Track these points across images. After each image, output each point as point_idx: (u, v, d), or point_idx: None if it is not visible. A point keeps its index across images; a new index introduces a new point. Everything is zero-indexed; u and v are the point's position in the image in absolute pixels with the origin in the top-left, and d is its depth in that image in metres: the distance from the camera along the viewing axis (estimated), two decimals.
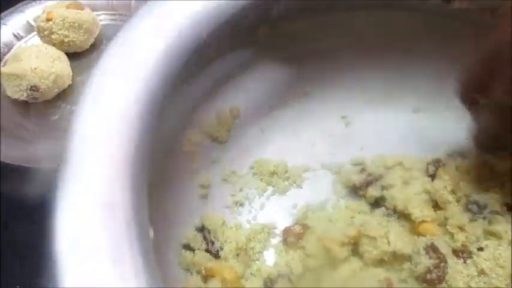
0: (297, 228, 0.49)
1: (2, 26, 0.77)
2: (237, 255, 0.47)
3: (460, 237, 0.47)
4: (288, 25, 0.51)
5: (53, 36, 0.73)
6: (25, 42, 0.78)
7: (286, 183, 0.54)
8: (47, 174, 0.61)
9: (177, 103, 0.45)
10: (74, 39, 0.74)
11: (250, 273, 0.47)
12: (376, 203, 0.52)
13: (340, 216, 0.51)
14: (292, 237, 0.49)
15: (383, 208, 0.51)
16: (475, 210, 0.48)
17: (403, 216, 0.50)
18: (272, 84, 0.55)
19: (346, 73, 0.57)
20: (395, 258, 0.47)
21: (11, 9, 0.79)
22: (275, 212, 0.53)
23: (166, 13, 0.42)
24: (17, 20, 0.79)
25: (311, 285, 0.47)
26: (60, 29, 0.73)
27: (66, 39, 0.73)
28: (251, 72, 0.54)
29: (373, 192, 0.51)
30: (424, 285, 0.45)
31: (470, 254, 0.46)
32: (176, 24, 0.42)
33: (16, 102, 0.70)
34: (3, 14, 0.78)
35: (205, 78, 0.49)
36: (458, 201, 0.49)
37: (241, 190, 0.53)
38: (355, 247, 0.47)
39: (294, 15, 0.51)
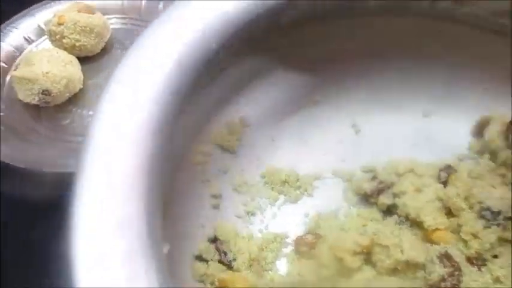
0: (309, 238, 0.49)
1: (13, 30, 0.77)
2: (250, 265, 0.47)
3: (474, 244, 0.46)
4: (299, 33, 0.51)
5: (64, 41, 0.73)
6: (36, 46, 0.78)
7: (298, 192, 0.54)
8: (57, 178, 0.61)
9: (189, 113, 0.45)
10: (85, 43, 0.74)
11: (264, 284, 0.47)
12: (388, 210, 0.52)
13: (353, 224, 0.51)
14: (305, 247, 0.49)
15: (395, 216, 0.50)
16: (489, 217, 0.47)
17: (416, 224, 0.49)
18: (282, 93, 0.55)
19: (356, 80, 0.57)
20: (409, 267, 0.46)
21: (22, 13, 0.79)
22: (287, 221, 0.52)
23: (180, 22, 0.42)
24: (28, 23, 0.79)
25: None
26: (72, 33, 0.73)
27: (77, 44, 0.73)
28: (261, 80, 0.54)
29: (384, 200, 0.51)
30: None
31: (484, 262, 0.46)
32: (190, 33, 0.42)
33: (27, 105, 0.70)
34: (14, 17, 0.78)
35: (216, 87, 0.50)
36: (471, 208, 0.48)
37: (252, 200, 0.53)
38: (368, 256, 0.47)
39: (305, 23, 0.51)
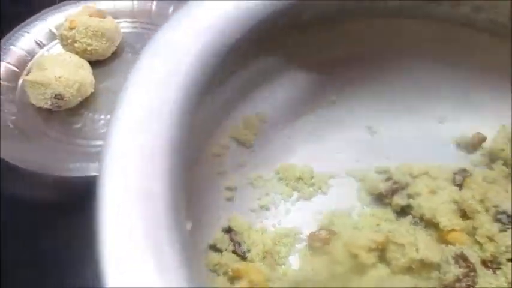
0: (323, 234, 0.49)
1: (25, 34, 0.77)
2: (264, 258, 0.47)
3: (490, 247, 0.46)
4: (317, 32, 0.52)
5: (75, 45, 0.73)
6: (47, 50, 0.78)
7: (312, 189, 0.54)
8: (66, 182, 0.61)
9: (208, 106, 0.45)
10: (97, 48, 0.74)
11: (276, 278, 0.46)
12: (402, 211, 0.51)
13: (366, 223, 0.50)
14: (318, 243, 0.48)
15: (409, 216, 0.50)
16: (504, 220, 0.47)
17: (431, 224, 0.49)
18: (299, 92, 0.55)
19: (372, 82, 0.57)
20: (424, 266, 0.46)
21: (33, 17, 0.80)
22: (300, 217, 0.52)
23: (198, 19, 0.43)
24: (40, 28, 0.79)
25: None
26: (83, 38, 0.73)
27: (88, 48, 0.74)
28: (279, 78, 0.54)
29: (399, 200, 0.51)
30: None
31: (499, 265, 0.46)
32: (208, 30, 0.42)
33: (40, 110, 0.70)
34: (26, 22, 0.79)
35: (234, 83, 0.50)
36: (487, 211, 0.48)
37: (267, 194, 0.53)
38: (382, 254, 0.47)
39: (323, 23, 0.51)
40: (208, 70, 0.42)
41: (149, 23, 0.83)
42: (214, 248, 0.47)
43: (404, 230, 0.47)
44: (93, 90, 0.73)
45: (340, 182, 0.55)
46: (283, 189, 0.53)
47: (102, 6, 0.81)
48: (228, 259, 0.46)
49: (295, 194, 0.54)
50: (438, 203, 0.49)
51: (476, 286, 0.44)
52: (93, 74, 0.74)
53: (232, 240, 0.47)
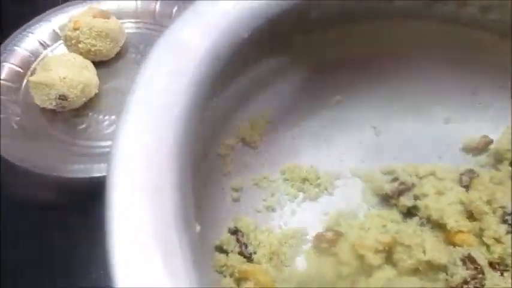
0: (330, 235, 0.48)
1: (29, 35, 0.77)
2: (270, 259, 0.47)
3: (497, 249, 0.46)
4: (323, 33, 0.52)
5: (80, 45, 0.73)
6: (51, 51, 0.78)
7: (317, 190, 0.54)
8: (71, 182, 0.61)
9: (215, 105, 0.45)
10: (101, 48, 0.74)
11: (283, 279, 0.46)
12: (408, 212, 0.51)
13: (373, 224, 0.50)
14: (325, 243, 0.48)
15: (416, 217, 0.50)
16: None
17: (438, 226, 0.49)
18: (304, 92, 0.55)
19: (378, 82, 0.57)
20: (431, 268, 0.46)
21: (37, 18, 0.80)
22: (306, 218, 0.52)
23: (207, 17, 0.43)
24: (44, 28, 0.79)
25: None
26: (87, 38, 0.73)
27: (93, 48, 0.73)
28: (284, 78, 0.54)
29: (405, 201, 0.51)
30: None
31: (507, 267, 0.46)
32: (214, 30, 0.42)
33: (44, 110, 0.70)
34: (30, 22, 0.79)
35: (240, 83, 0.50)
36: (494, 212, 0.48)
37: (272, 195, 0.53)
38: (389, 255, 0.47)
39: (329, 23, 0.51)
40: (215, 71, 0.42)
41: (153, 24, 0.82)
42: (221, 249, 0.47)
43: (411, 231, 0.47)
44: (97, 91, 0.72)
45: (346, 183, 0.55)
46: (289, 190, 0.53)
47: (106, 6, 0.81)
48: (234, 260, 0.46)
49: (301, 195, 0.54)
50: (445, 204, 0.48)
51: None
52: (98, 74, 0.73)
53: (238, 241, 0.47)
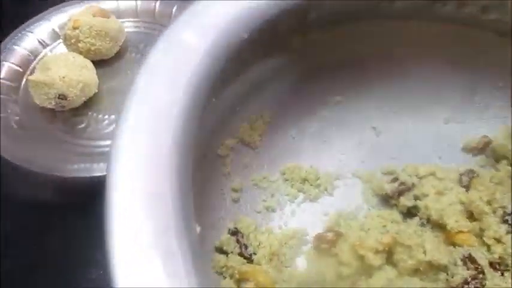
0: (330, 235, 0.48)
1: (29, 34, 0.77)
2: (270, 260, 0.47)
3: (497, 249, 0.46)
4: (321, 34, 0.51)
5: (79, 45, 0.73)
6: (51, 50, 0.78)
7: (317, 190, 0.54)
8: (69, 182, 0.61)
9: (214, 107, 0.45)
10: (100, 47, 0.74)
11: (283, 280, 0.46)
12: (408, 212, 0.51)
13: (373, 224, 0.50)
14: (325, 244, 0.48)
15: (416, 218, 0.50)
16: None
17: (438, 226, 0.49)
18: (304, 92, 0.55)
19: (377, 83, 0.57)
20: (431, 268, 0.46)
21: (37, 17, 0.79)
22: (306, 219, 0.52)
23: (206, 17, 0.42)
24: (43, 27, 0.79)
25: None
26: (87, 37, 0.73)
27: (92, 47, 0.73)
28: (284, 79, 0.54)
29: (405, 201, 0.50)
30: None
31: (507, 267, 0.45)
32: (214, 30, 0.42)
33: (43, 109, 0.70)
34: (29, 21, 0.78)
35: (240, 83, 0.50)
36: (494, 212, 0.48)
37: (272, 196, 0.53)
38: (389, 255, 0.47)
39: (328, 24, 0.51)
40: (214, 72, 0.41)
41: (153, 23, 0.82)
42: (221, 251, 0.47)
43: (411, 232, 0.47)
44: (96, 90, 0.72)
45: (346, 183, 0.55)
46: (289, 191, 0.53)
47: (106, 5, 0.81)
48: (234, 261, 0.46)
49: (301, 195, 0.54)
50: (445, 204, 0.48)
51: None
52: (97, 73, 0.73)
53: (238, 242, 0.47)
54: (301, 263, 0.49)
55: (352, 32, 0.52)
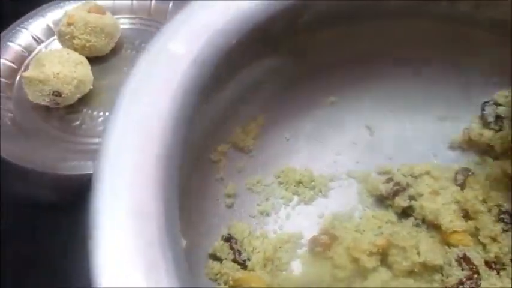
0: (324, 238, 0.48)
1: (23, 30, 0.76)
2: (265, 265, 0.47)
3: (493, 248, 0.46)
4: (316, 34, 0.51)
5: (74, 41, 0.72)
6: (45, 46, 0.77)
7: (312, 192, 0.54)
8: (63, 179, 0.61)
9: (206, 111, 0.45)
10: (95, 44, 0.73)
11: (278, 284, 0.46)
12: (404, 212, 0.51)
13: (368, 226, 0.50)
14: (320, 247, 0.48)
15: (411, 218, 0.50)
16: (508, 220, 0.46)
17: (433, 226, 0.49)
18: (298, 93, 0.55)
19: (371, 82, 0.56)
20: (426, 269, 0.46)
21: (31, 13, 0.79)
22: (301, 221, 0.52)
23: (198, 21, 0.42)
24: (38, 24, 0.78)
25: None
26: (82, 34, 0.72)
27: (87, 44, 0.72)
28: (277, 80, 0.53)
29: (400, 202, 0.50)
30: None
31: (503, 266, 0.45)
32: (207, 32, 0.42)
33: (37, 106, 0.69)
34: (23, 17, 0.78)
35: (232, 87, 0.49)
36: (489, 211, 0.48)
37: (267, 200, 0.52)
38: (384, 257, 0.47)
39: (322, 24, 0.50)
40: (206, 75, 0.41)
41: (148, 19, 0.81)
42: (214, 257, 0.47)
43: (406, 233, 0.47)
44: (91, 87, 0.71)
45: (341, 184, 0.55)
46: (283, 194, 0.53)
47: (101, 2, 0.80)
48: (228, 268, 0.46)
49: (296, 198, 0.53)
50: (440, 204, 0.48)
51: None
52: (92, 70, 0.72)
53: (232, 248, 0.47)
54: (296, 267, 0.49)
55: (346, 32, 0.52)
